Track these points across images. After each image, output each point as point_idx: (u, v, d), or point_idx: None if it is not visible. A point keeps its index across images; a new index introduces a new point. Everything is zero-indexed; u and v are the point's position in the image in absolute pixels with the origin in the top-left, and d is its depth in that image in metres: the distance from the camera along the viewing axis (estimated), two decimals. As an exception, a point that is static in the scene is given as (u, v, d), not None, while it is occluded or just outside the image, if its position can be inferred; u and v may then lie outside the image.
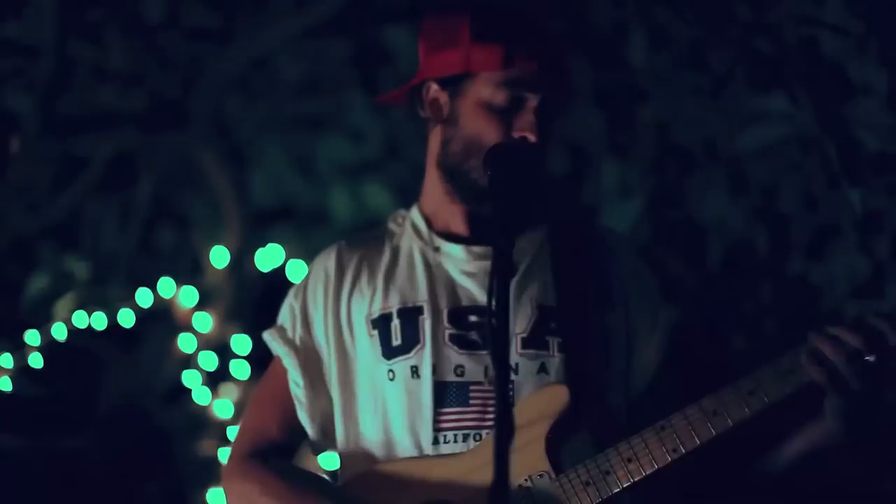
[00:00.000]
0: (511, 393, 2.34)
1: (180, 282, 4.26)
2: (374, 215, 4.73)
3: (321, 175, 4.83)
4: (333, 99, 4.77)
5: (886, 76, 3.13)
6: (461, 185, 2.44)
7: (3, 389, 3.88)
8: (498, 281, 2.04)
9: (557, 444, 2.31)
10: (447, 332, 2.40)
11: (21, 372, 3.92)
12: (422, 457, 2.35)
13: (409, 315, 2.43)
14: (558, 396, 2.32)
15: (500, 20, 2.42)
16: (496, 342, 2.01)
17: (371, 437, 2.42)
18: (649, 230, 4.36)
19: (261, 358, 4.12)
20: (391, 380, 2.40)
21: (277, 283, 4.19)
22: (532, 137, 2.35)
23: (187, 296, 4.27)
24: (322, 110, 4.81)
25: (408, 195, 4.67)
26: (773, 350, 4.04)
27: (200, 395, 4.25)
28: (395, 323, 2.42)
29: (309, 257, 4.25)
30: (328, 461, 2.78)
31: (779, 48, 3.33)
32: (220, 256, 4.35)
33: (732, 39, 3.41)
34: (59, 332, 4.01)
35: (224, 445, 4.18)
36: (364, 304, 2.47)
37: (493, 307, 2.00)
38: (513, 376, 2.36)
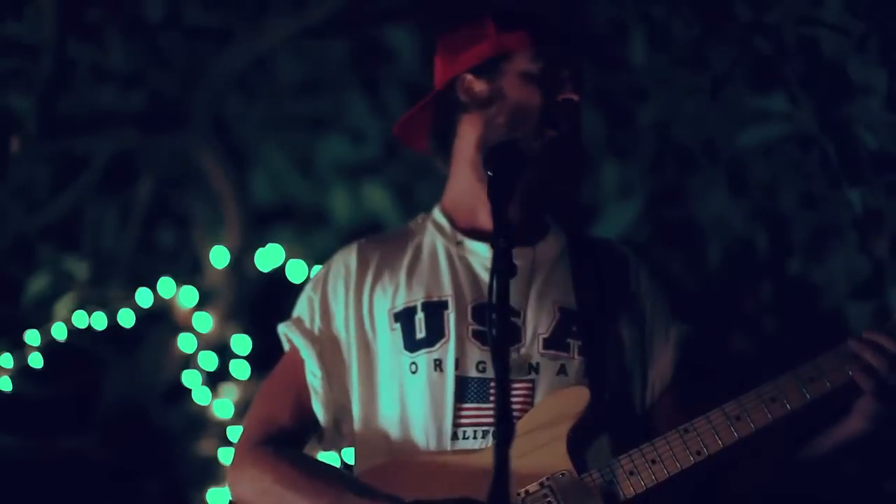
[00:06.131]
0: (531, 392, 2.38)
1: (180, 282, 4.26)
2: (373, 215, 4.74)
3: (321, 175, 4.84)
4: (333, 99, 4.77)
5: (886, 76, 3.13)
6: None
7: (3, 389, 3.88)
8: (498, 280, 2.06)
9: (579, 443, 2.34)
10: (471, 328, 2.44)
11: (21, 372, 3.92)
12: (442, 451, 2.37)
13: (434, 309, 2.46)
14: (580, 397, 2.36)
15: (520, 15, 2.58)
16: (497, 340, 2.03)
17: (389, 430, 2.44)
18: (649, 230, 4.36)
19: (261, 358, 4.14)
20: (413, 372, 2.42)
21: (277, 283, 4.20)
22: (576, 97, 2.49)
23: (187, 296, 4.27)
24: (322, 110, 4.81)
25: (408, 195, 4.71)
26: (773, 350, 4.04)
27: (200, 395, 4.25)
28: (420, 316, 2.46)
29: (309, 257, 4.29)
30: (326, 459, 2.78)
31: (779, 48, 3.33)
32: (220, 256, 4.35)
33: (732, 39, 3.40)
34: (59, 332, 4.01)
35: (224, 445, 4.18)
36: (387, 298, 2.51)
37: (494, 306, 2.03)
38: (533, 375, 2.40)
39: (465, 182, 2.58)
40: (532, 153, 2.44)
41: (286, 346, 2.61)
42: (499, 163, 2.30)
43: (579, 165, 2.54)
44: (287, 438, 2.48)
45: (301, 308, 2.60)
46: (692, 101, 4.10)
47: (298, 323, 2.56)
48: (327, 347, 2.52)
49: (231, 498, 2.47)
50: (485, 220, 2.55)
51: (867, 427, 2.32)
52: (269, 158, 4.81)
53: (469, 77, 2.56)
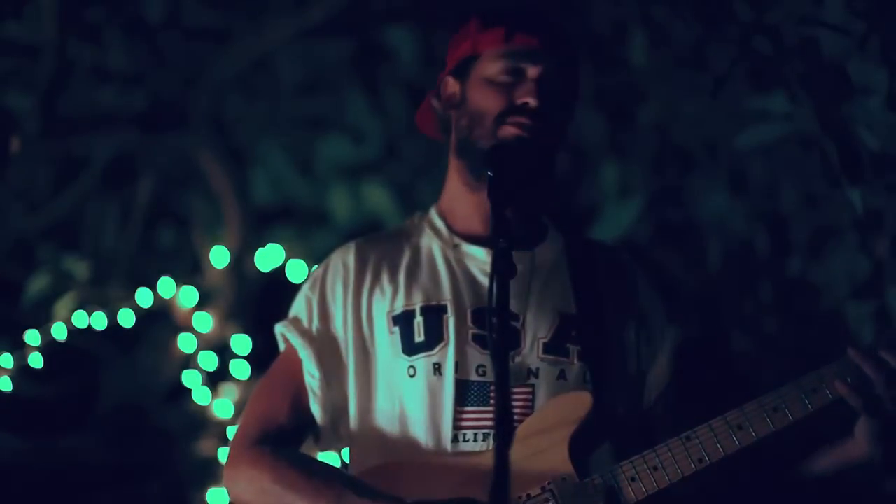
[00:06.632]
0: (531, 397, 2.38)
1: (180, 282, 4.26)
2: (373, 215, 4.74)
3: (321, 175, 4.84)
4: (333, 99, 4.77)
5: (886, 76, 3.13)
6: (471, 159, 2.50)
7: (3, 389, 3.88)
8: (498, 281, 2.06)
9: (580, 448, 2.34)
10: (471, 332, 2.43)
11: (21, 372, 3.91)
12: (442, 452, 2.36)
13: (433, 313, 2.45)
14: (582, 402, 2.36)
15: (504, 11, 2.54)
16: (496, 341, 2.02)
17: (386, 431, 2.44)
18: (649, 230, 4.36)
19: (261, 358, 4.13)
20: (412, 376, 2.42)
21: (277, 283, 4.20)
22: (532, 102, 2.43)
23: (187, 296, 4.26)
24: (322, 110, 4.81)
25: (408, 195, 4.71)
26: (773, 350, 4.04)
27: (200, 395, 4.25)
28: (419, 320, 2.45)
29: (309, 257, 4.29)
30: (326, 459, 2.77)
31: (779, 48, 3.33)
32: (220, 256, 4.35)
33: (732, 39, 3.40)
34: (59, 332, 4.00)
35: (224, 445, 4.18)
36: (385, 301, 2.50)
37: (493, 306, 2.03)
38: (533, 380, 2.40)
39: (454, 183, 2.59)
40: (485, 154, 2.41)
41: (282, 346, 2.60)
42: (499, 163, 2.29)
43: (542, 168, 2.50)
44: (284, 437, 2.46)
45: (298, 308, 2.58)
46: (692, 101, 4.11)
47: (296, 323, 2.55)
48: (325, 348, 2.51)
49: (229, 498, 2.46)
50: (478, 224, 2.54)
51: (871, 451, 2.32)
52: (269, 158, 4.81)
53: (448, 79, 2.57)
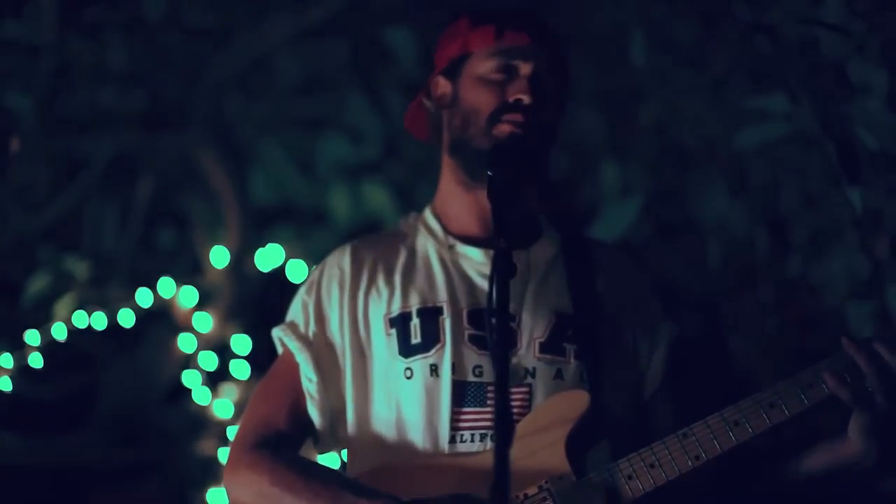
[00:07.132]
0: (529, 396, 2.39)
1: (180, 282, 4.26)
2: (373, 215, 4.74)
3: (321, 175, 4.83)
4: (333, 99, 4.77)
5: (886, 76, 3.13)
6: (465, 158, 2.50)
7: (3, 389, 3.88)
8: (498, 281, 2.06)
9: (577, 447, 2.34)
10: (467, 333, 2.44)
11: (21, 372, 3.91)
12: (440, 454, 2.36)
13: (429, 315, 2.46)
14: (579, 400, 2.36)
15: (495, 10, 2.55)
16: (496, 342, 2.03)
17: (384, 433, 2.44)
18: (649, 230, 4.36)
19: (261, 358, 4.13)
20: (408, 378, 2.42)
21: (277, 283, 4.20)
22: (526, 99, 2.43)
23: (187, 296, 4.27)
24: (322, 110, 4.81)
25: (408, 195, 4.71)
26: (773, 350, 4.04)
27: (200, 395, 4.25)
28: (415, 322, 2.46)
29: (309, 257, 4.29)
30: (326, 460, 2.78)
31: (779, 48, 3.33)
32: (220, 256, 4.35)
33: (732, 39, 3.41)
34: (59, 332, 4.00)
35: (224, 445, 4.18)
36: (382, 303, 2.50)
37: (494, 306, 2.03)
38: (529, 379, 2.40)
39: (448, 183, 2.60)
40: (483, 153, 2.42)
41: (280, 350, 2.60)
42: (499, 162, 2.30)
43: (538, 164, 2.49)
44: (283, 441, 2.47)
45: (295, 312, 2.59)
46: (692, 101, 4.10)
47: (293, 327, 2.56)
48: (322, 352, 2.52)
49: (228, 501, 2.46)
50: (473, 224, 2.55)
51: (863, 449, 2.31)
52: (269, 158, 4.80)
53: (439, 80, 2.58)
